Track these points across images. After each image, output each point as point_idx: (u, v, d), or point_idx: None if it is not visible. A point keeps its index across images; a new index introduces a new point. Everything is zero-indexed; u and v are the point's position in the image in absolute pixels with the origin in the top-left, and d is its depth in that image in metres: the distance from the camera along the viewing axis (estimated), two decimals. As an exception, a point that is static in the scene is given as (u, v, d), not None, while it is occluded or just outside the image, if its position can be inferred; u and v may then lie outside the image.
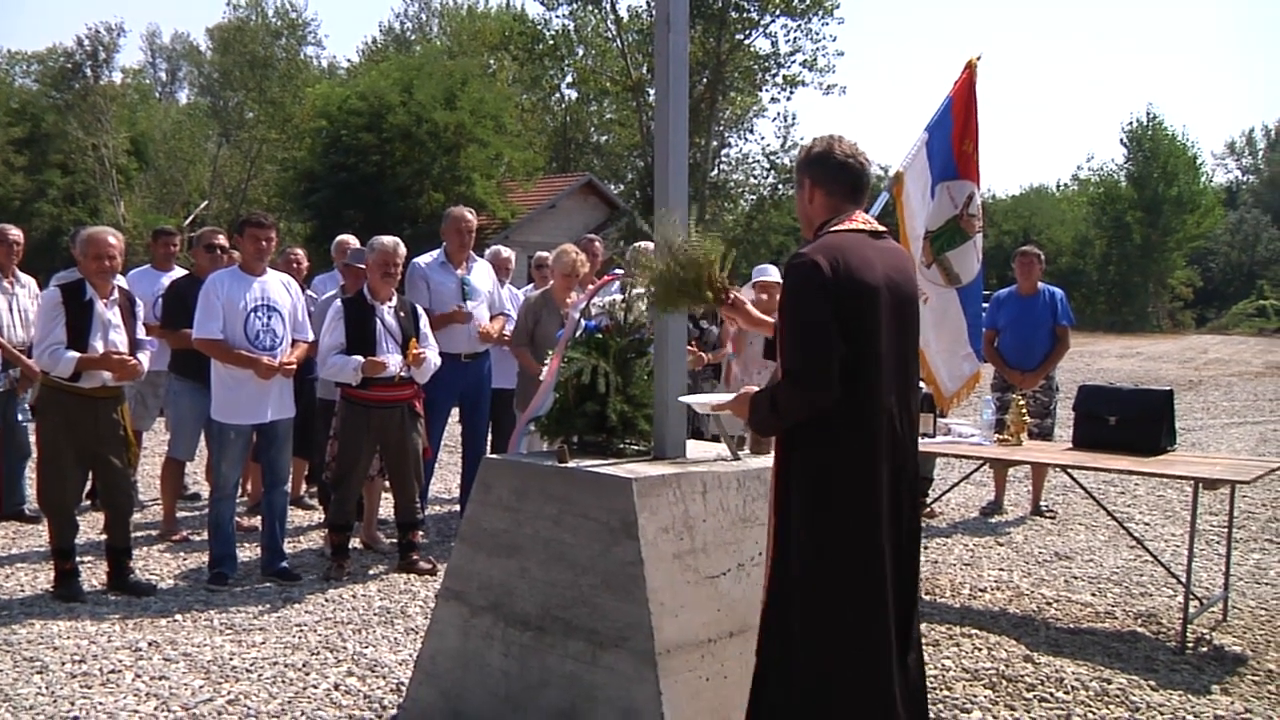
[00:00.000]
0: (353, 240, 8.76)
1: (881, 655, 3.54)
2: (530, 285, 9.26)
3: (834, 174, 3.73)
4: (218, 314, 6.58)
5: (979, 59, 7.01)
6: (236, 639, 5.73)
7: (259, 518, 7.29)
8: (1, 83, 42.56)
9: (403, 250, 7.05)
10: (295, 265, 8.45)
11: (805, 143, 3.89)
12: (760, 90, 42.30)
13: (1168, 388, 6.67)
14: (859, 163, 3.74)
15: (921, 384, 6.58)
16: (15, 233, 8.33)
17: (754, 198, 46.17)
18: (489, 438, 8.32)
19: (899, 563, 3.61)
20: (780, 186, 45.48)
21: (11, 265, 8.19)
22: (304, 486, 8.97)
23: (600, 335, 4.85)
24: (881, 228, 3.76)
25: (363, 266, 7.19)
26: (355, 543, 7.40)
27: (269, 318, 6.71)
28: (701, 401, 4.45)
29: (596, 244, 8.78)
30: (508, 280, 8.78)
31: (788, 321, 3.54)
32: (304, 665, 5.35)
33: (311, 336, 7.11)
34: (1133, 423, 6.37)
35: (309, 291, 8.29)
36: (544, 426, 4.83)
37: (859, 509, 3.52)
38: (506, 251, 8.97)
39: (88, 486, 7.28)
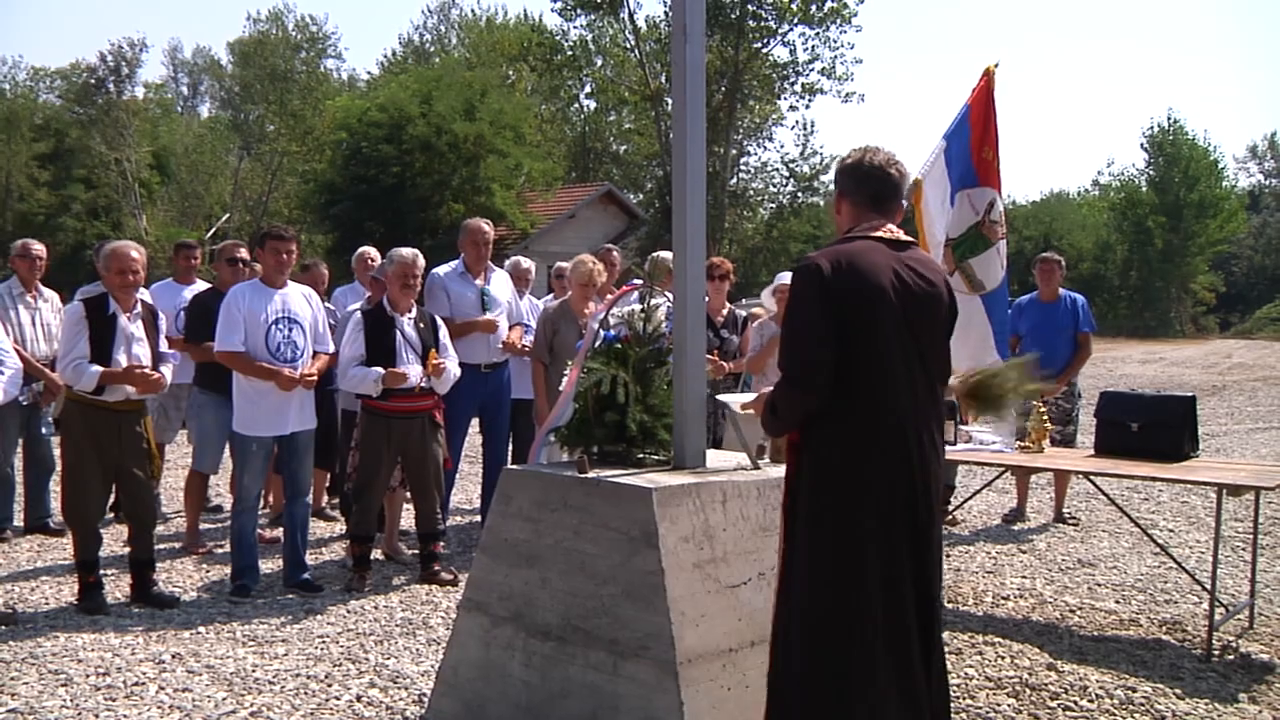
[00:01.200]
0: (374, 252, 8.80)
1: (871, 664, 3.54)
2: (550, 295, 9.28)
3: (858, 184, 3.80)
4: (239, 326, 6.61)
5: (997, 66, 6.99)
6: (259, 651, 5.75)
7: (281, 529, 7.32)
8: (26, 99, 42.87)
9: (421, 262, 7.07)
10: (321, 283, 8.48)
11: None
12: (779, 99, 42.28)
13: (1190, 393, 6.63)
14: (885, 173, 3.79)
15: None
16: (38, 248, 8.39)
17: (773, 206, 46.18)
18: (509, 448, 8.33)
19: (916, 571, 3.61)
20: (800, 195, 45.47)
21: (35, 280, 8.26)
22: (325, 498, 9.00)
23: (619, 345, 4.86)
24: (906, 237, 3.77)
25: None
26: (377, 554, 7.41)
27: (290, 330, 6.74)
28: (732, 400, 4.79)
29: (614, 254, 8.78)
30: (527, 291, 8.79)
31: (784, 323, 3.71)
32: (326, 677, 5.37)
33: (332, 348, 7.14)
34: (1155, 429, 6.34)
35: (327, 304, 8.32)
36: (564, 437, 4.84)
37: (852, 513, 3.56)
38: (526, 262, 8.99)
39: (111, 499, 7.32)
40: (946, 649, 5.66)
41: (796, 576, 3.65)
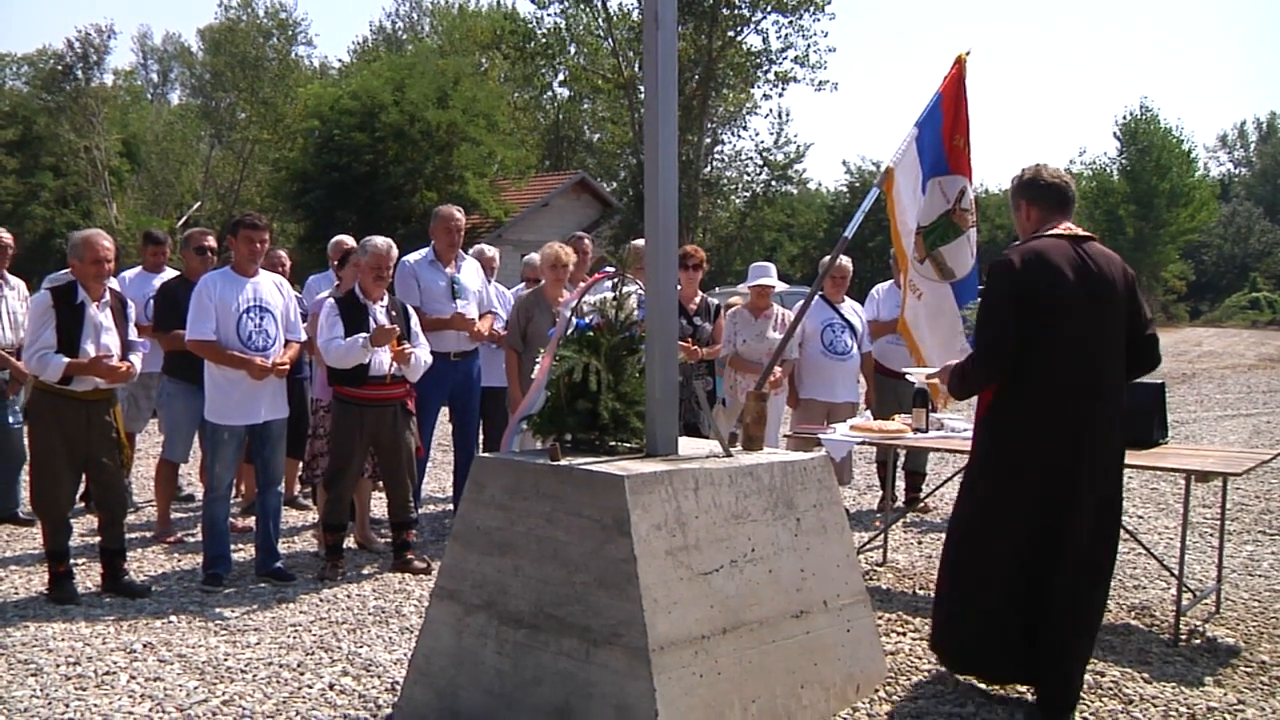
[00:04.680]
0: (349, 241, 8.74)
1: (1000, 576, 4.57)
2: (521, 285, 9.26)
3: (1043, 193, 4.66)
4: (210, 315, 6.57)
5: (968, 54, 7.01)
6: (231, 640, 5.74)
7: (253, 518, 7.29)
8: (-8, 86, 42.40)
9: (395, 253, 7.04)
10: (279, 268, 8.41)
11: (1016, 171, 4.87)
12: (752, 87, 42.23)
13: (1159, 381, 6.67)
14: (1063, 182, 4.68)
15: (916, 377, 6.65)
16: (6, 236, 8.31)
17: (747, 194, 46.16)
18: (480, 436, 8.31)
19: (1070, 524, 4.48)
20: (774, 183, 45.44)
21: (2, 268, 8.18)
22: (298, 487, 8.97)
23: (592, 333, 4.86)
24: (1084, 233, 4.60)
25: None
26: (350, 542, 7.40)
27: (261, 318, 6.70)
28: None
29: (586, 241, 8.76)
30: (493, 279, 8.75)
31: (980, 309, 4.58)
32: (299, 665, 5.36)
33: (304, 337, 7.10)
34: (1125, 416, 6.36)
35: (297, 291, 8.25)
36: (536, 424, 4.83)
37: (1020, 466, 4.50)
38: (490, 251, 8.92)
39: (81, 489, 7.28)
40: (918, 634, 5.72)
41: (968, 499, 4.70)
